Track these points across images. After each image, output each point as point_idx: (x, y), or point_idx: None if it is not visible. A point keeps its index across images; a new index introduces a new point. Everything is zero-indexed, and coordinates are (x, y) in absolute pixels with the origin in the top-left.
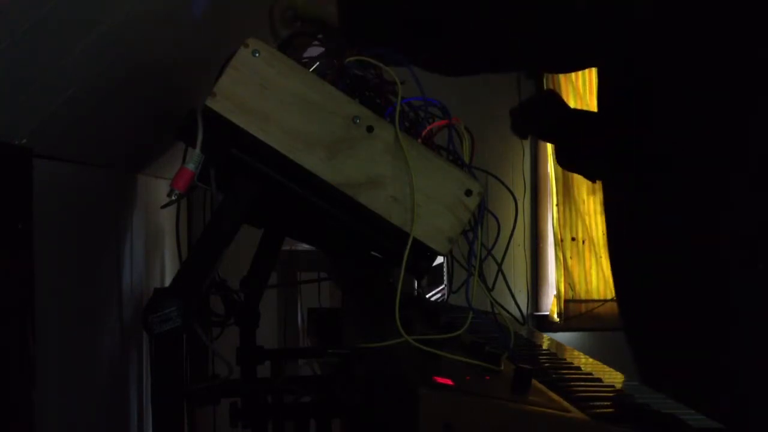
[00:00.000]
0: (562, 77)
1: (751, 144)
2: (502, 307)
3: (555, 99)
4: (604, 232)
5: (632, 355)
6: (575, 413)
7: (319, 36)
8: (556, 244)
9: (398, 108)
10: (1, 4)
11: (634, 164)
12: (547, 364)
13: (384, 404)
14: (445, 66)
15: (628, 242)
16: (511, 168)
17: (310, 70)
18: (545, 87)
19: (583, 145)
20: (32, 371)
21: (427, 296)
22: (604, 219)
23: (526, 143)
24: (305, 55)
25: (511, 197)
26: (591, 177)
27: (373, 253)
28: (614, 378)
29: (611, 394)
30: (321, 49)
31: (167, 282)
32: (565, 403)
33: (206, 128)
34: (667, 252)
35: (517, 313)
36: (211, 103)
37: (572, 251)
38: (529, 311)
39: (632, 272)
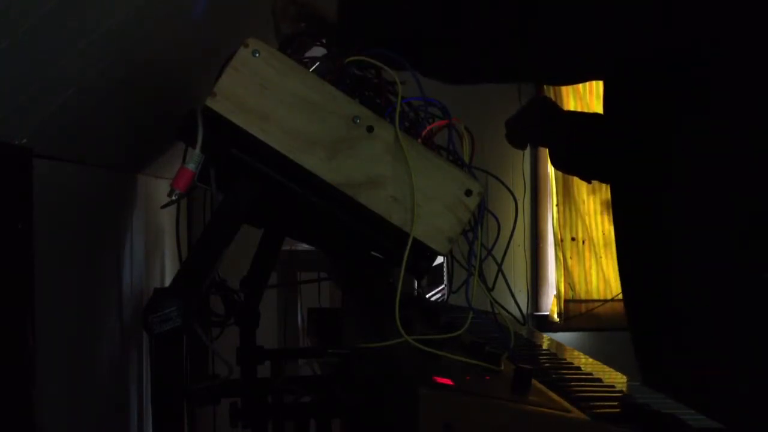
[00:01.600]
0: None
1: (753, 146)
2: (502, 307)
3: (548, 104)
4: (604, 232)
5: (635, 355)
6: (575, 413)
7: (322, 37)
8: (556, 244)
9: (398, 108)
10: (1, 4)
11: (635, 165)
12: (547, 364)
13: (384, 404)
14: (445, 71)
15: (630, 242)
16: (511, 168)
17: (311, 70)
18: (544, 90)
19: (578, 146)
20: (32, 370)
21: (427, 296)
22: (603, 219)
23: None
24: (306, 54)
25: (511, 197)
26: (586, 178)
27: (373, 253)
28: (614, 378)
29: (611, 394)
30: (323, 49)
31: (167, 282)
32: (565, 403)
33: (206, 128)
34: (668, 252)
35: (517, 313)
36: (211, 103)
37: (572, 251)
38: (529, 311)
39: (634, 272)
